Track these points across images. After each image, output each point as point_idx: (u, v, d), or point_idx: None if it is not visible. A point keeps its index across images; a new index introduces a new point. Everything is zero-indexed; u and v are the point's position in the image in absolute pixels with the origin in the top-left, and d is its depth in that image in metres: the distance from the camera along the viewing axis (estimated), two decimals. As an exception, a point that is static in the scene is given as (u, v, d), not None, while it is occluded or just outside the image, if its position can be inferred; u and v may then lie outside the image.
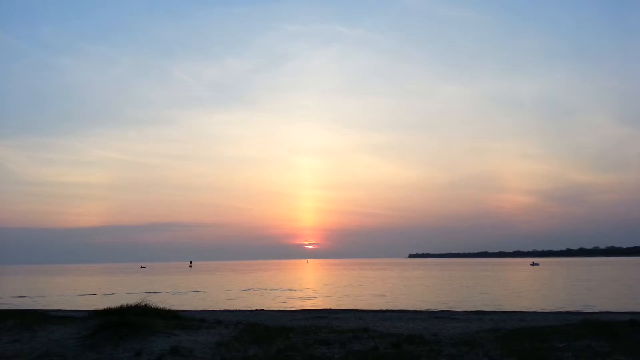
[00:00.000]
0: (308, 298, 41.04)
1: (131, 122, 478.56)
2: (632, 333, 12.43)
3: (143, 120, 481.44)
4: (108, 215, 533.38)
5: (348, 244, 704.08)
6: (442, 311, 27.08)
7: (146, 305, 16.68)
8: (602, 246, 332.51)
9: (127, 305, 16.40)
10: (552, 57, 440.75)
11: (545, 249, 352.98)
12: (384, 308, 30.08)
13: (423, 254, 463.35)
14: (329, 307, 30.88)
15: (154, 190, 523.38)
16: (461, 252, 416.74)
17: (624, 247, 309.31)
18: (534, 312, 26.35)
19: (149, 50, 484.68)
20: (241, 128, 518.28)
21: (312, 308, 30.78)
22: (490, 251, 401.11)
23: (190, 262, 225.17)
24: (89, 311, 17.91)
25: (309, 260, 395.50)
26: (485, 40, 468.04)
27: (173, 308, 19.12)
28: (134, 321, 13.47)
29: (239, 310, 29.04)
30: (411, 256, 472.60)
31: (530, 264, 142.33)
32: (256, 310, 29.81)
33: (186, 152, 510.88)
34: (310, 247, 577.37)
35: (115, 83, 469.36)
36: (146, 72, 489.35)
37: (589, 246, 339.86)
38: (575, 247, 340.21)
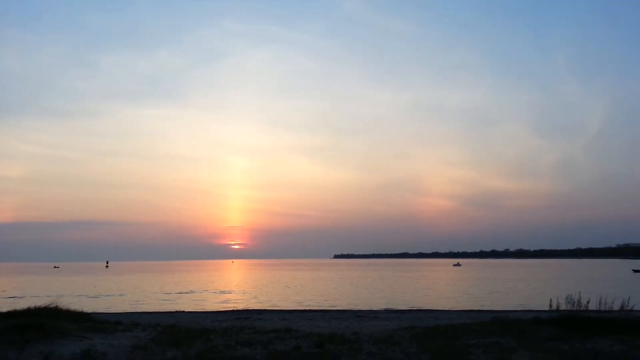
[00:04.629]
0: (231, 299, 40.47)
1: (54, 114, 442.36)
2: (536, 330, 13.36)
3: (67, 112, 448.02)
4: (22, 210, 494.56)
5: (274, 245, 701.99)
6: (363, 310, 27.72)
7: (56, 307, 15.78)
8: (512, 249, 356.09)
9: (36, 307, 15.43)
10: (478, 70, 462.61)
11: (461, 250, 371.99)
12: (307, 308, 30.30)
13: (348, 254, 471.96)
14: (252, 308, 30.65)
15: (76, 186, 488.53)
16: (384, 252, 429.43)
17: (532, 250, 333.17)
18: (448, 311, 27.65)
19: (75, 38, 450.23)
20: (172, 124, 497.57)
21: (235, 309, 30.39)
22: (410, 252, 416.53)
23: (107, 262, 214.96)
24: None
25: (234, 260, 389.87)
26: (418, 51, 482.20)
27: (86, 310, 18.21)
28: (43, 323, 12.66)
29: (158, 312, 28.09)
30: (336, 257, 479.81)
31: (453, 265, 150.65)
32: (176, 312, 28.99)
33: (113, 147, 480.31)
34: (236, 247, 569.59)
35: (37, 71, 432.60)
36: (71, 62, 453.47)
37: (500, 248, 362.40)
38: (488, 249, 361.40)
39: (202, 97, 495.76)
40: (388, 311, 27.38)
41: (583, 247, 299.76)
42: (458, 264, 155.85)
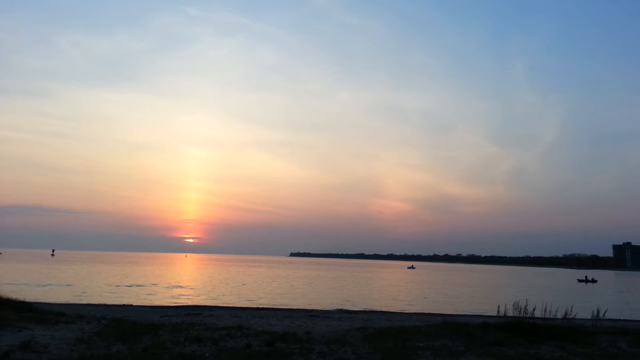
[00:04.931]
0: (182, 294, 39.74)
1: (3, 91, 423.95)
2: (483, 335, 13.70)
3: (18, 91, 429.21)
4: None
5: (230, 240, 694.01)
6: (316, 310, 27.74)
7: (-5, 295, 15.05)
8: (464, 254, 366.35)
9: (-28, 296, 14.67)
10: (439, 76, 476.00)
11: (415, 253, 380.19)
12: (260, 306, 30.08)
13: (304, 253, 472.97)
14: (204, 304, 30.18)
15: (21, 168, 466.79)
16: (340, 252, 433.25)
17: (482, 255, 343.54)
18: (400, 313, 28.05)
19: (32, 15, 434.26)
20: (129, 110, 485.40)
21: (185, 304, 29.86)
22: (366, 253, 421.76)
23: (53, 251, 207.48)
24: None
25: (187, 254, 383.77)
26: (382, 52, 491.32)
27: (28, 300, 17.47)
28: (-21, 313, 12.03)
29: (105, 305, 27.28)
30: (292, 255, 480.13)
31: (408, 268, 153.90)
32: (124, 305, 28.22)
33: (64, 130, 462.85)
34: (190, 240, 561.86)
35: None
36: (26, 39, 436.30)
37: (453, 253, 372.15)
38: (441, 254, 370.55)
39: (162, 84, 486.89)
40: (341, 311, 27.51)
41: (531, 255, 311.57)
42: (412, 267, 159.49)
